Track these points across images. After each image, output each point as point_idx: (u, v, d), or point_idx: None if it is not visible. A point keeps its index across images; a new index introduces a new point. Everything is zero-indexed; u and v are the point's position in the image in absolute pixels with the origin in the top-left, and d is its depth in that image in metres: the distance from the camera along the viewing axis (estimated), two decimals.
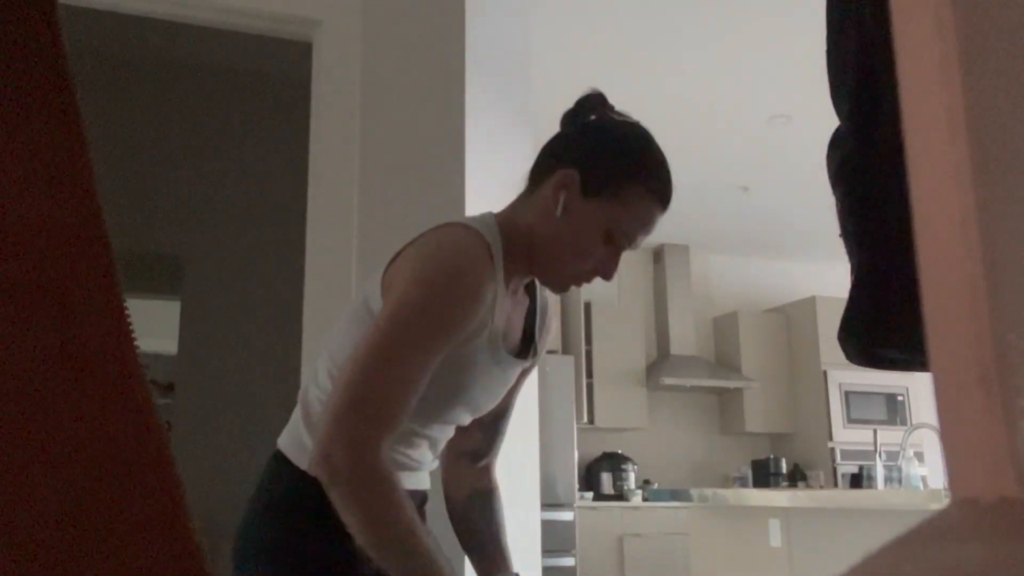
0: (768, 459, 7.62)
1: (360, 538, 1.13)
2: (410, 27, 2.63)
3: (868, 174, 0.81)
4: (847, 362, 0.87)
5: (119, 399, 0.37)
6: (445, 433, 1.38)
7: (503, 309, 1.28)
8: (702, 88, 5.03)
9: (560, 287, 1.31)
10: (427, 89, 2.58)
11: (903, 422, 7.46)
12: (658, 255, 8.00)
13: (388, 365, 1.13)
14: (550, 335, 1.48)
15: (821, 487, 7.14)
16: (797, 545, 3.41)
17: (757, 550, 3.60)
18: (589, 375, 7.32)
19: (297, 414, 1.35)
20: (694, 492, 3.99)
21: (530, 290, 1.43)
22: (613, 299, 7.77)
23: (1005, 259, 0.28)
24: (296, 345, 2.47)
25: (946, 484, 0.30)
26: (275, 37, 2.74)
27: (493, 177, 2.55)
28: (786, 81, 4.89)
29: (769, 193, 6.67)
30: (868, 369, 0.88)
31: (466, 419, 1.37)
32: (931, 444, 6.91)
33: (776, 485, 7.36)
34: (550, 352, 6.81)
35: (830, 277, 8.23)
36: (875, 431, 4.94)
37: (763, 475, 7.55)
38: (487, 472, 1.52)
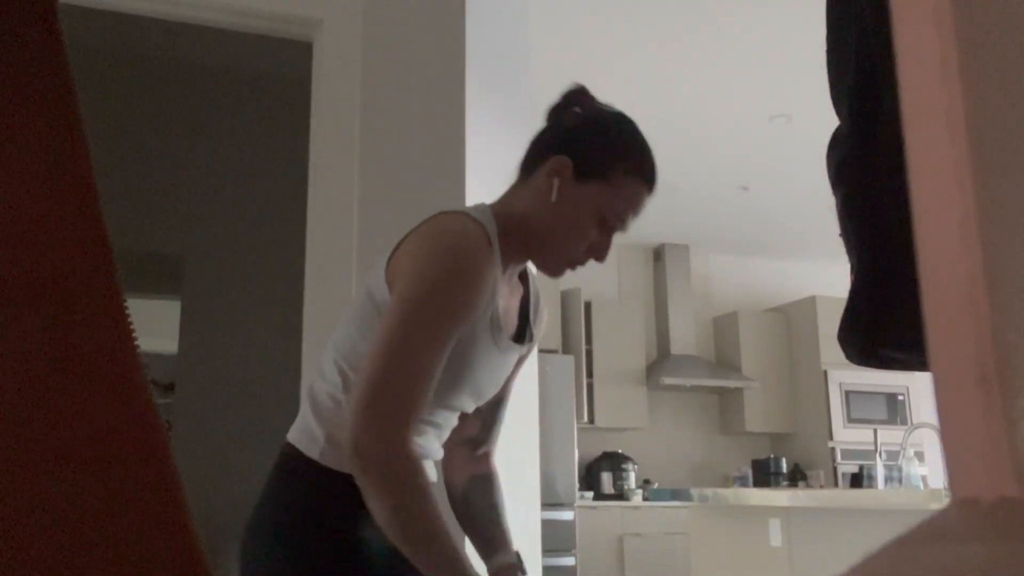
0: (768, 459, 7.61)
1: (387, 526, 1.17)
2: (410, 26, 2.63)
3: (868, 174, 0.81)
4: (847, 362, 0.87)
5: (119, 398, 0.37)
6: (450, 421, 1.40)
7: (501, 295, 1.33)
8: (702, 88, 5.03)
9: (556, 271, 1.35)
10: (427, 88, 2.58)
11: (903, 422, 7.46)
12: (658, 255, 8.00)
13: (406, 356, 1.17)
14: (543, 323, 1.52)
15: (821, 487, 7.14)
16: (797, 545, 3.41)
17: (757, 550, 3.60)
18: (589, 375, 7.32)
19: (306, 408, 1.36)
20: (694, 492, 3.99)
21: (523, 279, 1.47)
22: (613, 299, 7.77)
23: (1005, 259, 0.28)
24: (296, 344, 2.47)
25: (946, 484, 0.30)
26: (276, 37, 2.74)
27: (493, 176, 2.55)
28: (786, 81, 4.89)
29: (769, 193, 6.67)
30: (868, 369, 0.88)
31: (470, 405, 1.40)
32: (931, 444, 6.91)
33: (776, 485, 7.36)
34: (550, 352, 6.81)
35: (830, 277, 8.24)
36: (875, 431, 4.94)
37: (763, 475, 7.55)
38: (486, 459, 1.56)
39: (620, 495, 7.03)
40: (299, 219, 2.60)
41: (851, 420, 7.46)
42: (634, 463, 7.26)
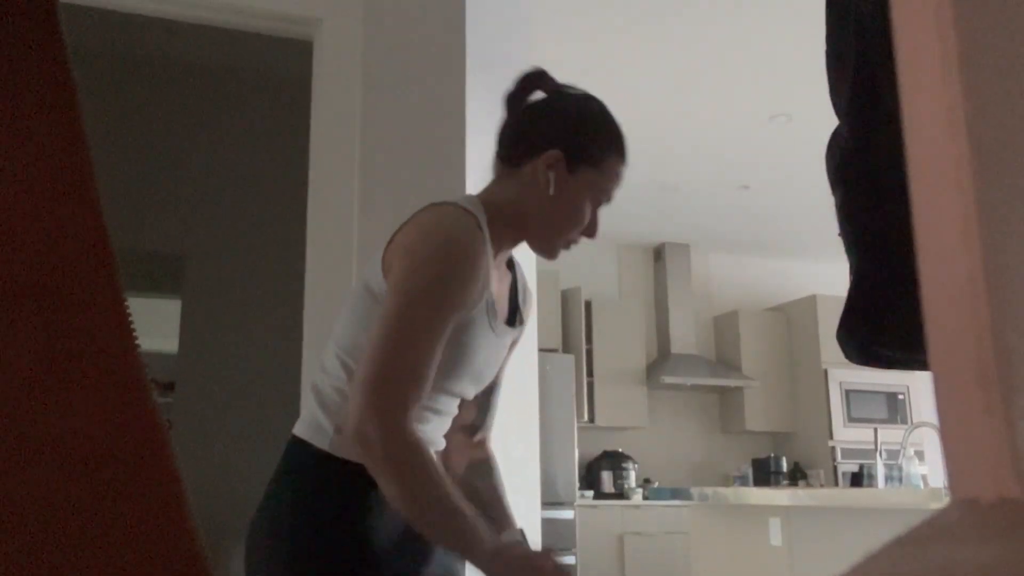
0: (768, 458, 7.61)
1: (400, 506, 1.21)
2: (411, 25, 2.63)
3: (867, 174, 0.81)
4: (847, 361, 0.87)
5: (120, 398, 0.37)
6: (451, 408, 1.42)
7: (493, 281, 1.38)
8: (703, 87, 5.02)
9: (554, 254, 1.44)
10: (427, 88, 2.58)
11: (904, 421, 7.46)
12: (659, 254, 8.00)
13: (404, 342, 1.21)
14: (532, 307, 1.59)
15: (821, 486, 7.14)
16: (797, 544, 3.41)
17: (757, 549, 3.61)
18: (590, 374, 7.32)
19: (311, 403, 1.38)
20: (694, 491, 3.99)
21: (509, 266, 1.53)
22: (614, 298, 7.77)
23: (1005, 259, 0.28)
24: (297, 343, 2.47)
25: (946, 484, 0.30)
26: (276, 36, 2.74)
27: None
28: (787, 80, 4.89)
29: (770, 192, 6.67)
30: (868, 368, 0.88)
31: (470, 391, 1.43)
32: (932, 443, 6.91)
33: (776, 484, 7.36)
34: (551, 351, 6.81)
35: (830, 276, 8.24)
36: (875, 430, 4.94)
37: (763, 474, 7.55)
38: (483, 444, 1.59)
39: (620, 494, 7.04)
40: (299, 218, 2.60)
41: (851, 419, 7.46)
42: (634, 462, 7.26)
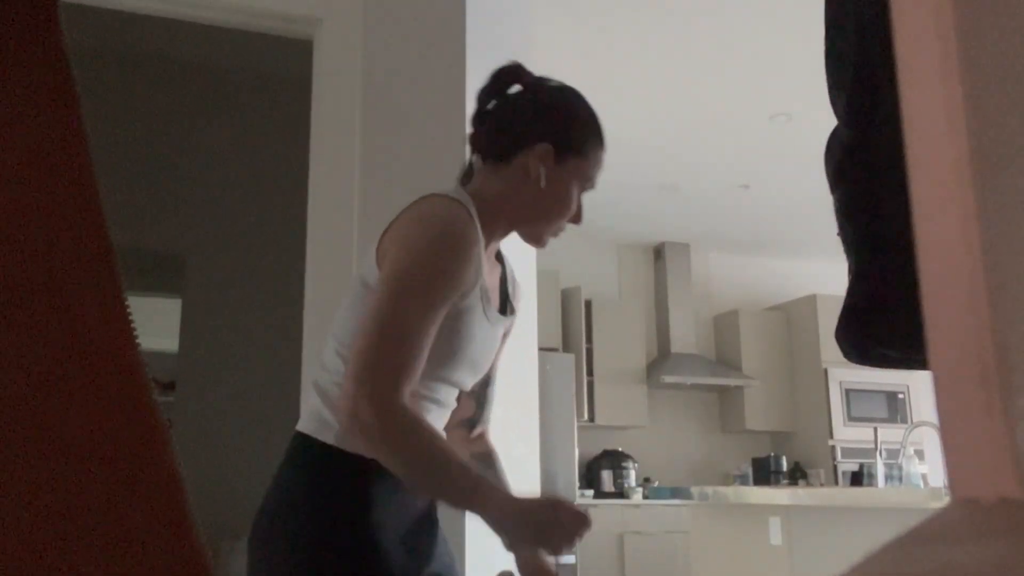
0: (768, 457, 7.61)
1: (407, 478, 1.24)
2: (411, 25, 2.63)
3: (866, 173, 0.81)
4: (847, 360, 0.87)
5: (120, 397, 0.37)
6: (450, 399, 1.44)
7: (486, 270, 1.40)
8: (703, 86, 5.02)
9: (543, 242, 1.49)
10: (428, 87, 2.58)
11: (904, 420, 7.46)
12: (659, 253, 8.00)
13: (396, 323, 1.23)
14: (521, 298, 1.62)
15: (821, 485, 7.14)
16: (797, 543, 3.41)
17: (757, 548, 3.61)
18: (590, 373, 7.32)
19: (314, 399, 1.39)
20: (694, 490, 3.99)
21: (498, 258, 1.56)
22: (614, 297, 7.77)
23: (1005, 259, 0.28)
24: (297, 343, 2.47)
25: (946, 484, 0.30)
26: (276, 35, 2.74)
27: None
28: (787, 80, 4.89)
29: (770, 191, 6.66)
30: (868, 367, 0.88)
31: (468, 380, 1.44)
32: (932, 442, 6.91)
33: (776, 483, 7.36)
34: (551, 350, 6.81)
35: (830, 275, 8.23)
36: (875, 429, 4.94)
37: (763, 473, 7.55)
38: (483, 438, 1.62)
39: (620, 493, 7.04)
40: (300, 218, 2.60)
41: (851, 418, 7.46)
42: (634, 461, 7.26)
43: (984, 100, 0.29)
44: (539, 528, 1.26)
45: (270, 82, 4.42)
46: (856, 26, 0.81)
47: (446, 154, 2.53)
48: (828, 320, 7.56)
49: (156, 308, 5.15)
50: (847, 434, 7.41)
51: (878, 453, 4.52)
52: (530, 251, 2.66)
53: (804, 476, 7.53)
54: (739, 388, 7.70)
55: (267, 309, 4.26)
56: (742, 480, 7.36)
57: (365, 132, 2.53)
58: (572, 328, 7.32)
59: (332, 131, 2.52)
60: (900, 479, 4.24)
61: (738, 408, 7.75)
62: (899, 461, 4.22)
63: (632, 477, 7.15)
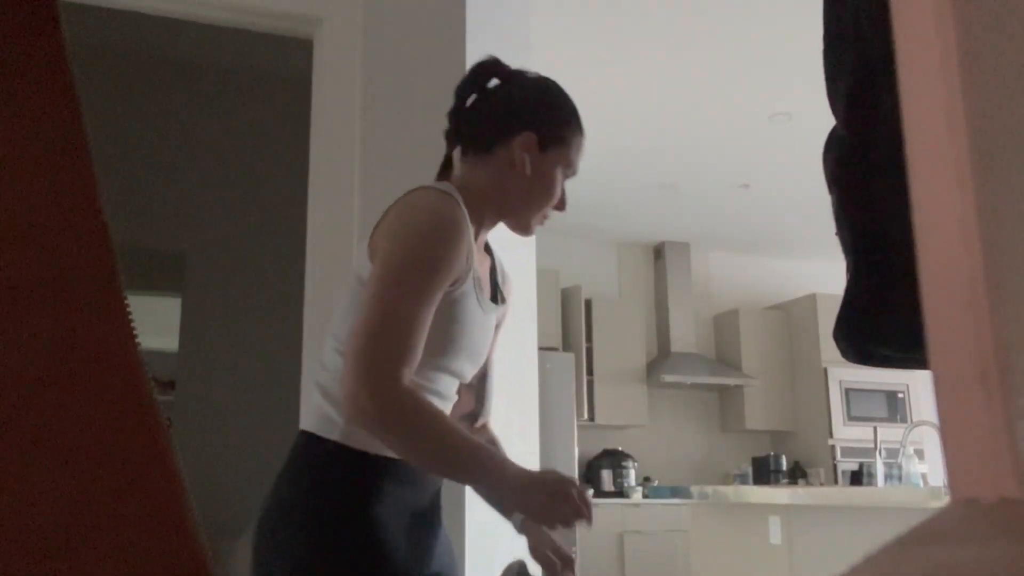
0: (768, 456, 7.62)
1: (414, 458, 1.26)
2: (411, 24, 2.63)
3: (864, 173, 0.81)
4: (846, 360, 0.87)
5: (120, 396, 0.37)
6: (451, 390, 1.45)
7: (476, 259, 1.43)
8: (703, 86, 5.02)
9: (531, 230, 1.53)
10: (427, 86, 2.57)
11: (903, 419, 7.46)
12: (659, 252, 8.00)
13: (392, 311, 1.25)
14: (511, 287, 1.65)
15: (821, 484, 7.14)
16: (797, 542, 3.41)
17: (757, 547, 3.61)
18: (590, 372, 7.32)
19: (317, 398, 1.40)
20: (694, 489, 3.99)
21: (487, 250, 1.60)
22: (614, 296, 7.77)
23: (1005, 259, 0.28)
24: (297, 342, 2.47)
25: (946, 483, 0.30)
26: (276, 35, 2.74)
27: None
28: (787, 79, 4.89)
29: (770, 191, 6.66)
30: (867, 367, 0.88)
31: (468, 370, 1.46)
32: (931, 441, 6.91)
33: (776, 482, 7.36)
34: (551, 349, 6.81)
35: (830, 275, 8.23)
36: (875, 428, 4.94)
37: (763, 472, 7.55)
38: (485, 428, 1.65)
39: (620, 492, 7.04)
40: (300, 217, 2.60)
41: (851, 418, 7.46)
42: (634, 461, 7.26)
43: (984, 100, 0.29)
44: (552, 497, 1.27)
45: (270, 81, 4.42)
46: (854, 26, 0.81)
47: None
48: (828, 320, 7.56)
49: (156, 307, 5.15)
50: (847, 433, 7.41)
51: (878, 452, 4.52)
52: (530, 250, 2.66)
53: (804, 475, 7.53)
54: (739, 387, 7.70)
55: (267, 308, 4.26)
56: (742, 479, 7.36)
57: (365, 132, 2.53)
58: (572, 327, 7.32)
59: (332, 130, 2.52)
60: (900, 479, 4.24)
61: (738, 407, 7.75)
62: (899, 460, 4.22)
63: (632, 476, 7.15)
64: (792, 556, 3.40)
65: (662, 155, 6.05)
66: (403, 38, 2.62)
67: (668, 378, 7.29)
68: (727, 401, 7.92)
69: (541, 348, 2.95)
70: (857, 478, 6.47)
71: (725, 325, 8.03)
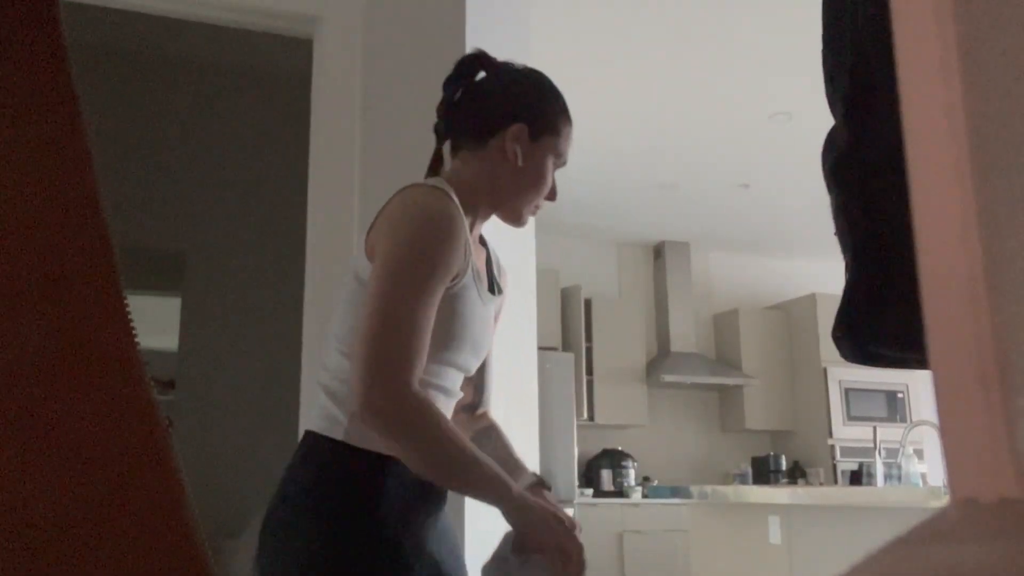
0: (768, 456, 7.62)
1: (421, 467, 1.26)
2: (411, 24, 2.63)
3: (863, 173, 0.81)
4: (845, 360, 0.87)
5: (120, 396, 0.37)
6: (456, 385, 1.46)
7: (473, 251, 1.44)
8: (703, 85, 5.02)
9: (523, 221, 1.53)
10: (427, 86, 2.57)
11: (903, 419, 7.47)
12: (658, 252, 8.00)
13: (396, 311, 1.25)
14: (507, 279, 1.66)
15: (821, 484, 7.14)
16: (797, 542, 3.42)
17: (757, 547, 3.61)
18: (589, 372, 7.32)
19: (321, 398, 1.40)
20: (694, 489, 3.99)
21: (482, 242, 1.61)
22: (614, 296, 7.77)
23: (1005, 259, 0.28)
24: (297, 341, 2.47)
25: (946, 483, 0.30)
26: (276, 34, 2.74)
27: None
28: (787, 78, 4.89)
29: (769, 190, 6.66)
30: (867, 367, 0.88)
31: (472, 363, 1.46)
32: (931, 441, 6.91)
33: (776, 482, 7.37)
34: (550, 349, 6.81)
35: (830, 274, 8.23)
36: (875, 428, 4.94)
37: (763, 472, 7.55)
38: (485, 416, 1.65)
39: (620, 492, 7.04)
40: (299, 216, 2.60)
41: (851, 418, 7.46)
42: (634, 460, 7.26)
43: (984, 100, 0.29)
44: (541, 537, 1.32)
45: (270, 81, 4.42)
46: (853, 25, 0.81)
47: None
48: (828, 319, 7.54)
49: (156, 306, 5.15)
50: (846, 433, 7.41)
51: (877, 452, 4.52)
52: (529, 250, 2.66)
53: (803, 475, 7.53)
54: (739, 387, 7.70)
55: (267, 308, 4.25)
56: (741, 479, 7.36)
57: (365, 131, 2.53)
58: (572, 327, 7.32)
59: (332, 130, 2.52)
60: (899, 478, 4.24)
61: (738, 407, 7.75)
62: (898, 460, 4.22)
63: (632, 476, 7.15)
64: (792, 556, 3.40)
65: (662, 155, 6.05)
66: (403, 38, 2.62)
67: (668, 378, 7.29)
68: (727, 401, 7.93)
69: (541, 348, 2.95)
70: (857, 478, 6.47)
71: (725, 325, 8.03)
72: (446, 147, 1.54)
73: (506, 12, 2.78)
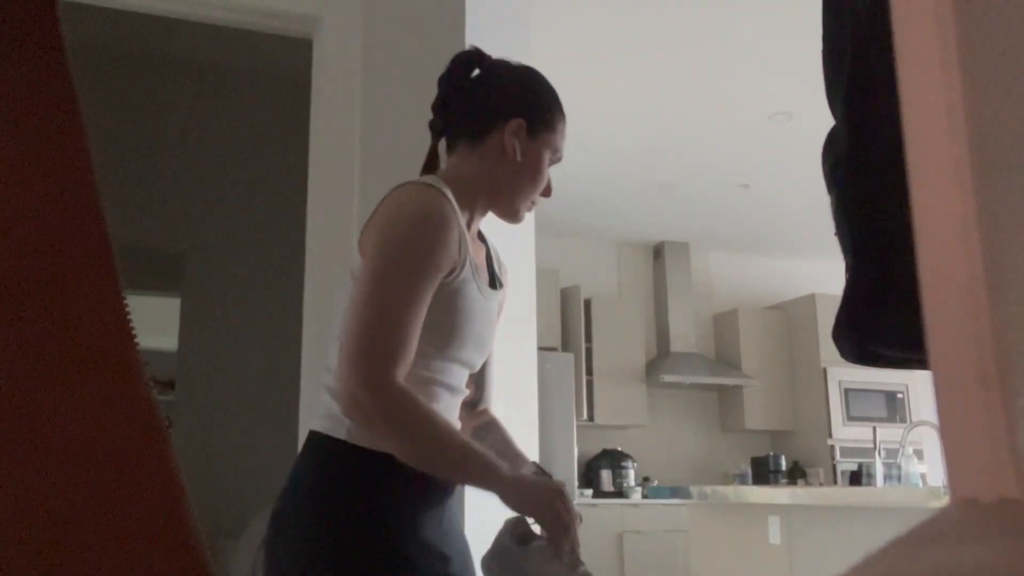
0: (768, 456, 7.62)
1: (410, 457, 1.27)
2: (410, 25, 2.63)
3: (863, 173, 0.81)
4: (845, 360, 0.87)
5: (119, 396, 0.37)
6: (461, 382, 1.46)
7: (471, 247, 1.44)
8: (702, 85, 5.02)
9: (519, 217, 1.54)
10: (427, 86, 2.57)
11: (903, 419, 7.46)
12: (658, 252, 8.00)
13: (384, 304, 1.27)
14: (508, 273, 1.67)
15: (821, 484, 7.14)
16: (796, 542, 3.42)
17: (757, 547, 3.61)
18: (589, 372, 7.32)
19: (325, 398, 1.41)
20: (694, 489, 3.99)
21: (480, 238, 1.61)
22: (613, 296, 7.77)
23: (1005, 259, 0.28)
24: (297, 341, 2.47)
25: (946, 484, 0.30)
26: (276, 34, 2.74)
27: None
28: (787, 78, 4.89)
29: (769, 190, 6.66)
30: (867, 367, 0.88)
31: (476, 359, 1.47)
32: (930, 442, 6.91)
33: (776, 482, 7.36)
34: (550, 349, 6.81)
35: (830, 275, 8.23)
36: (875, 428, 4.94)
37: (763, 472, 7.55)
38: (486, 413, 1.66)
39: (620, 493, 7.04)
40: (299, 216, 2.60)
41: (850, 418, 7.46)
42: (634, 460, 7.26)
43: (984, 100, 0.29)
44: (539, 511, 1.32)
45: (270, 80, 4.42)
46: (853, 24, 0.81)
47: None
48: (827, 320, 7.56)
49: (155, 307, 5.15)
50: (846, 433, 7.41)
51: (877, 453, 4.52)
52: (529, 250, 2.66)
53: (803, 475, 7.53)
54: (738, 387, 7.70)
55: (267, 308, 4.25)
56: (741, 479, 7.36)
57: (365, 130, 2.53)
58: (571, 327, 7.32)
59: (332, 130, 2.52)
60: (899, 479, 4.24)
61: (737, 407, 7.75)
62: (898, 461, 4.22)
63: (631, 476, 7.15)
64: (791, 556, 3.40)
65: (662, 155, 6.05)
66: (403, 38, 2.62)
67: (668, 378, 7.29)
68: (727, 401, 7.92)
69: (540, 348, 2.95)
70: (856, 478, 6.47)
71: (725, 325, 8.03)
72: (442, 145, 1.55)
73: (506, 12, 2.78)
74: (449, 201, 1.37)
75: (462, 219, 1.40)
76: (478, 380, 1.62)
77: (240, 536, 3.52)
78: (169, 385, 4.29)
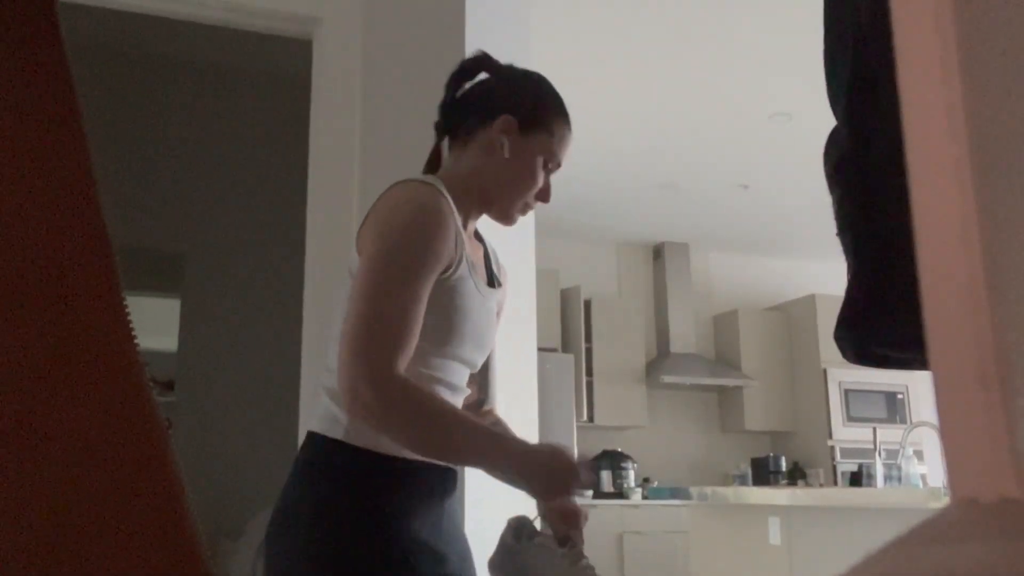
0: (768, 457, 7.61)
1: (417, 447, 1.27)
2: (410, 25, 2.63)
3: (864, 173, 0.81)
4: (846, 361, 0.87)
5: (119, 397, 0.37)
6: (462, 380, 1.46)
7: (468, 245, 1.44)
8: (703, 85, 5.02)
9: (512, 219, 1.52)
10: (427, 87, 2.57)
11: (903, 420, 7.46)
12: (658, 253, 8.00)
13: (382, 299, 1.26)
14: (506, 272, 1.66)
15: (821, 485, 7.14)
16: (797, 543, 3.41)
17: (757, 548, 3.61)
18: (589, 373, 7.31)
19: (324, 400, 1.41)
20: (694, 490, 3.99)
21: (478, 238, 1.61)
22: (613, 297, 7.77)
23: (1005, 259, 0.28)
24: (297, 341, 2.47)
25: (946, 484, 0.30)
26: (276, 35, 2.74)
27: None
28: (787, 79, 4.89)
29: (769, 191, 6.66)
30: (867, 368, 0.88)
31: (476, 357, 1.46)
32: (931, 442, 6.91)
33: (776, 483, 7.36)
34: (550, 350, 6.81)
35: (830, 275, 8.23)
36: (875, 429, 4.94)
37: (763, 473, 7.55)
38: (491, 414, 1.67)
39: (620, 493, 7.04)
40: (299, 217, 2.60)
41: (850, 419, 7.46)
42: (634, 461, 7.25)
43: (985, 99, 0.29)
44: (550, 470, 1.33)
45: (270, 81, 4.42)
46: (854, 25, 0.81)
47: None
48: (827, 320, 7.56)
49: (155, 307, 5.14)
50: (846, 434, 7.41)
51: (877, 453, 4.52)
52: (529, 251, 2.66)
53: (803, 476, 7.53)
54: (738, 388, 7.70)
55: (267, 307, 4.25)
56: (741, 480, 7.36)
57: (365, 131, 2.53)
58: (571, 328, 7.32)
59: (332, 131, 2.52)
60: (899, 479, 4.24)
61: (737, 408, 7.75)
62: (898, 461, 4.22)
63: (631, 477, 7.15)
64: (792, 557, 3.40)
65: (662, 155, 6.05)
66: (403, 38, 2.62)
67: (667, 379, 7.29)
68: (726, 402, 7.92)
69: (540, 349, 2.95)
70: (857, 479, 6.46)
71: (725, 325, 8.03)
72: (444, 144, 1.55)
73: (506, 12, 2.78)
74: (445, 198, 1.37)
75: (458, 217, 1.40)
76: (481, 380, 1.62)
77: (240, 536, 3.52)
78: (169, 385, 4.29)
